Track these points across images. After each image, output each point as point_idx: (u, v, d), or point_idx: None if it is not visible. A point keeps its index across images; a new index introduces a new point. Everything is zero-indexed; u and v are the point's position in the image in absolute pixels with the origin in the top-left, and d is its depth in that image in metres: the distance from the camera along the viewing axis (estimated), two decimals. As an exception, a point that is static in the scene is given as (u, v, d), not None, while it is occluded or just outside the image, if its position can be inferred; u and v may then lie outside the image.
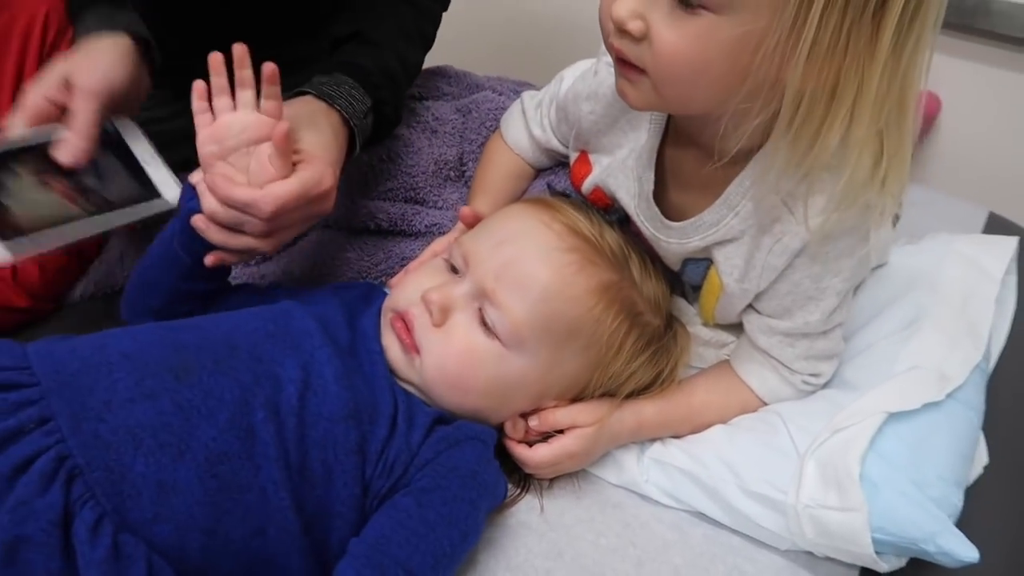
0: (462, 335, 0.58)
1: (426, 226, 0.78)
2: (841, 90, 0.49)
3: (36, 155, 0.65)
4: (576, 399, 0.62)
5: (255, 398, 0.50)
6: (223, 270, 0.66)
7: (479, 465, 0.56)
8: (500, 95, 0.90)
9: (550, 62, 1.05)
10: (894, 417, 0.61)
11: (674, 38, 0.50)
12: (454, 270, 0.61)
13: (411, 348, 0.58)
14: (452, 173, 0.84)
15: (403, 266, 0.73)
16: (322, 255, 0.76)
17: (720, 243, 0.63)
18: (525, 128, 0.80)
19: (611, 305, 0.60)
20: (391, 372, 0.58)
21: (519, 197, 0.80)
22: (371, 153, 0.81)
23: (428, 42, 0.87)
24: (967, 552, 0.53)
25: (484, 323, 0.58)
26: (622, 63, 0.54)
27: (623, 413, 0.64)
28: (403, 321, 0.59)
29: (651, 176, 0.65)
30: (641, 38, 0.51)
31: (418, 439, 0.54)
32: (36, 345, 0.50)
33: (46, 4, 0.76)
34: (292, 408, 0.51)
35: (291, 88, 0.74)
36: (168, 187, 0.70)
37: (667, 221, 0.65)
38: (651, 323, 0.63)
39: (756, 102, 0.52)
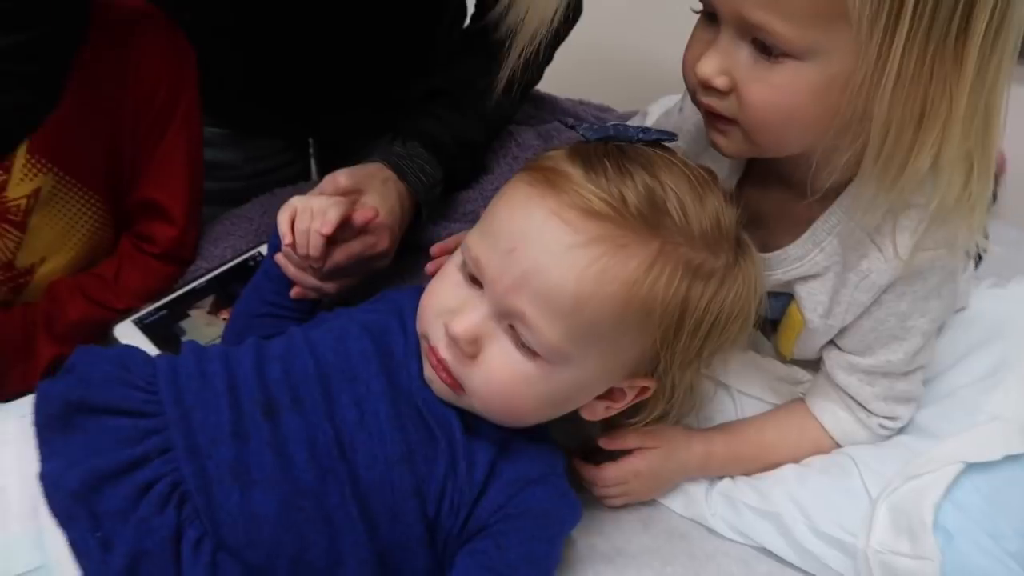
0: (500, 364, 0.52)
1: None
2: (929, 115, 0.50)
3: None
4: (653, 374, 0.58)
5: (326, 437, 0.52)
6: (308, 302, 0.71)
7: (551, 503, 0.56)
8: (585, 121, 0.92)
9: (632, 90, 1.07)
10: (972, 468, 0.60)
11: (761, 89, 0.51)
12: (472, 278, 0.54)
13: (455, 387, 0.54)
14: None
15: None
16: (403, 273, 0.80)
17: (803, 278, 0.63)
18: None
19: (659, 281, 0.52)
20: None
21: None
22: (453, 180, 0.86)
23: (522, 92, 0.88)
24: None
25: (520, 344, 0.52)
26: (712, 115, 0.55)
27: (692, 442, 0.65)
28: (436, 359, 0.54)
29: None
30: (728, 92, 0.53)
31: (481, 476, 0.54)
32: (161, 362, 0.54)
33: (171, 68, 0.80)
34: (351, 450, 0.53)
35: (381, 125, 0.84)
36: None
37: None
38: (714, 264, 0.54)
39: (845, 137, 0.52)
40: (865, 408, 0.65)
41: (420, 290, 0.60)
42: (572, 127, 0.59)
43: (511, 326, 0.52)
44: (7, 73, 0.67)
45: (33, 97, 0.70)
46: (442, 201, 0.84)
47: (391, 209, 0.74)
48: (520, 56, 0.75)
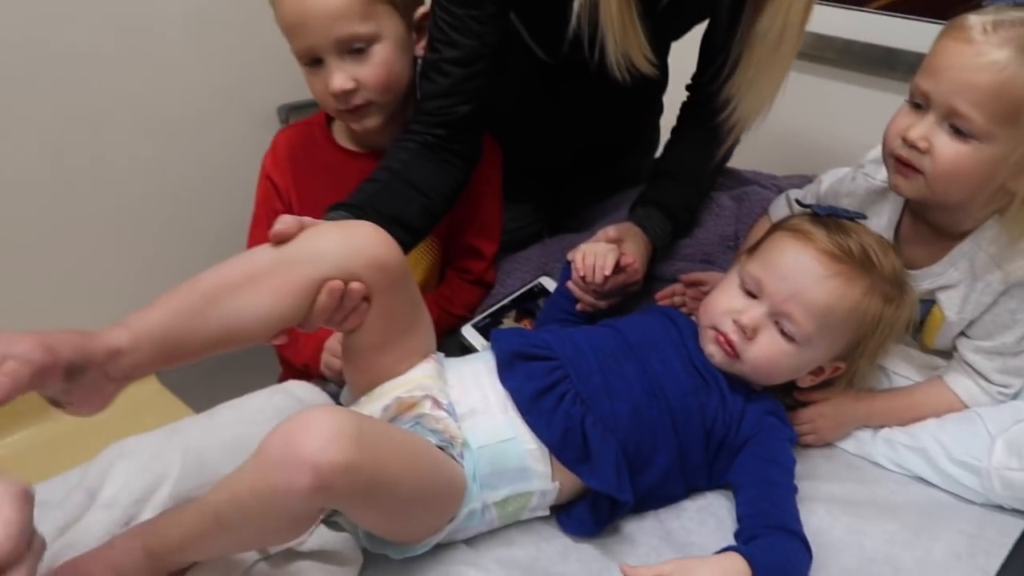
0: (769, 344, 0.85)
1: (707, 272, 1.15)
2: None
3: (515, 303, 1.15)
4: (847, 357, 0.90)
5: (647, 376, 0.86)
6: (587, 313, 1.06)
7: (781, 425, 0.89)
8: (765, 188, 1.25)
9: (798, 164, 1.39)
10: None
11: (950, 155, 0.82)
12: (748, 292, 0.88)
13: (733, 356, 0.86)
14: (730, 243, 1.20)
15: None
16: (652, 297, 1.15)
17: (943, 287, 0.93)
18: (791, 213, 1.13)
19: (871, 302, 0.85)
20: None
21: None
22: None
23: (720, 168, 1.24)
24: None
25: (784, 333, 0.85)
26: (903, 165, 0.85)
27: (858, 399, 0.96)
28: (723, 337, 0.86)
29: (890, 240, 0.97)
30: (924, 152, 0.83)
31: (737, 408, 0.87)
32: (547, 335, 0.90)
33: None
34: (660, 385, 0.86)
35: (598, 191, 1.24)
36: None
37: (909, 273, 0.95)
38: (895, 295, 0.88)
39: (990, 200, 0.85)
40: (987, 379, 0.93)
41: (662, 308, 1.01)
42: (806, 206, 0.94)
43: (777, 322, 0.85)
44: None
45: None
46: (669, 246, 1.18)
47: (641, 254, 1.08)
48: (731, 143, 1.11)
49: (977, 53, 0.79)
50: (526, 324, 1.13)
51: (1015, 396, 0.94)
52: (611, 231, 1.07)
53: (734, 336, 0.86)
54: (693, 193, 1.19)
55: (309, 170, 1.11)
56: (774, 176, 1.39)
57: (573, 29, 0.92)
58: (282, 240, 0.73)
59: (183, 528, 0.70)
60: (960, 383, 0.95)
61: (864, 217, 0.92)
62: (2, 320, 1.62)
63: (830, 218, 0.89)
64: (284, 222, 0.73)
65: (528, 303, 1.16)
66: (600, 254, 1.02)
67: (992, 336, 0.92)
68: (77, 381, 0.63)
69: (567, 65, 1.08)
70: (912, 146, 0.84)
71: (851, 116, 1.68)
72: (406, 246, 0.98)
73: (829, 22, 1.52)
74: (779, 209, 1.16)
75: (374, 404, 0.79)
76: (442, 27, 0.98)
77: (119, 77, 1.62)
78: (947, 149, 0.82)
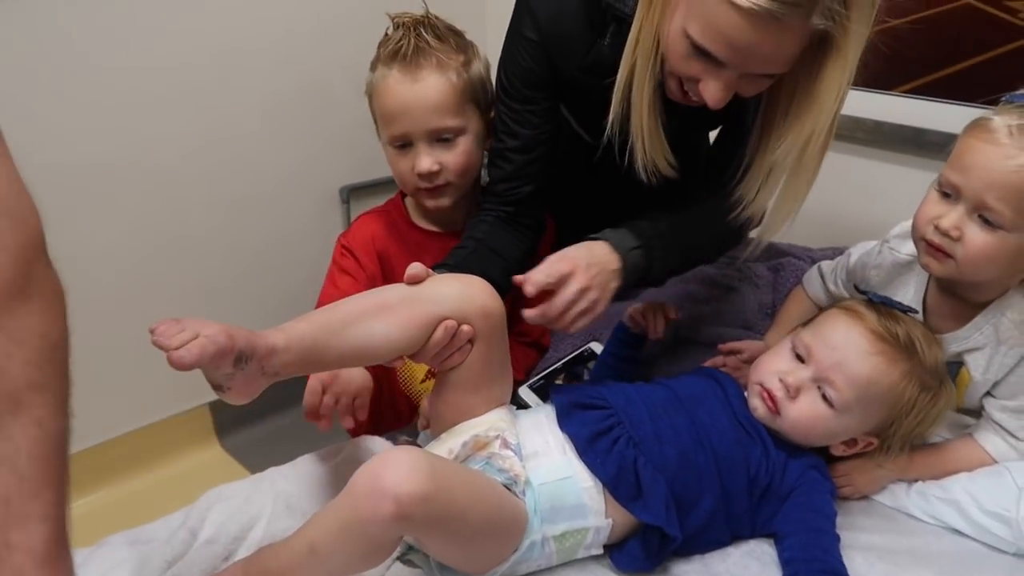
0: (809, 405, 0.93)
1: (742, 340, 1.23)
2: None
3: (566, 366, 1.25)
4: (879, 435, 0.97)
5: (695, 427, 0.94)
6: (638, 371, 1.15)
7: (822, 479, 0.96)
8: (799, 260, 1.35)
9: (832, 237, 1.48)
10: None
11: (980, 243, 0.90)
12: (798, 356, 0.96)
13: (774, 412, 0.94)
14: (768, 311, 1.29)
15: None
16: (699, 357, 1.22)
17: (969, 350, 1.01)
18: (823, 285, 1.21)
19: (908, 385, 0.92)
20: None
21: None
22: (718, 300, 1.30)
23: (722, 247, 1.26)
24: None
25: (824, 398, 0.92)
26: (935, 249, 0.93)
27: (894, 464, 1.02)
28: (767, 392, 0.95)
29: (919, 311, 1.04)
30: (956, 240, 0.91)
31: (781, 460, 0.94)
32: (602, 389, 0.99)
33: None
34: (707, 435, 0.94)
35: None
36: None
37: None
38: (933, 385, 0.94)
39: (1016, 273, 0.93)
40: (1014, 436, 1.00)
41: (709, 370, 1.08)
42: (864, 292, 1.04)
43: (820, 387, 0.93)
44: None
45: None
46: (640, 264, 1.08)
47: (580, 254, 1.03)
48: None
49: (1005, 156, 0.87)
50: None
51: (1041, 451, 1.00)
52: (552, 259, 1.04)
53: (778, 393, 0.95)
54: (665, 229, 1.11)
55: (392, 245, 1.25)
56: (809, 248, 1.48)
57: (607, 135, 1.03)
58: (414, 282, 0.88)
59: (281, 559, 0.79)
60: (990, 440, 1.01)
61: (915, 312, 1.00)
62: (91, 380, 1.76)
63: (883, 305, 0.98)
64: (416, 267, 0.88)
65: (577, 367, 1.25)
66: (657, 308, 1.14)
67: (1016, 396, 0.99)
68: (241, 369, 0.75)
69: (604, 159, 1.15)
70: (944, 234, 0.92)
71: (881, 192, 1.78)
72: None
73: (861, 105, 1.63)
74: (812, 280, 1.24)
75: (454, 440, 0.89)
76: (505, 120, 1.12)
77: (196, 161, 1.78)
78: (977, 238, 0.90)
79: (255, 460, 1.10)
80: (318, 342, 0.81)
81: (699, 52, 0.90)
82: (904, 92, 1.61)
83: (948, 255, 0.93)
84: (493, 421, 0.91)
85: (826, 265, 1.23)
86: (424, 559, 0.90)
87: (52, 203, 1.67)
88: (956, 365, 1.03)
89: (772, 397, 0.95)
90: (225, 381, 0.77)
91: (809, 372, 0.95)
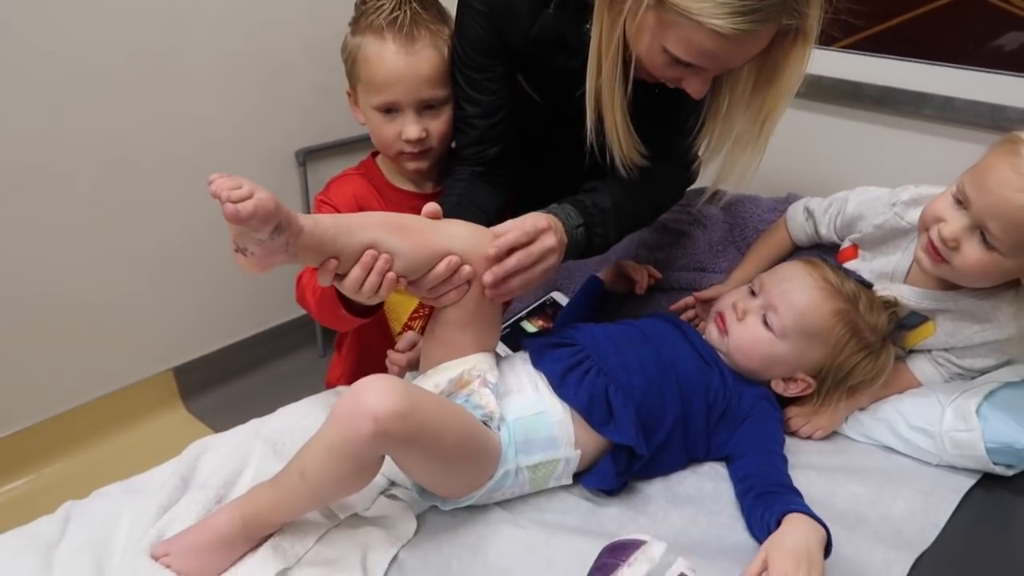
0: (752, 327, 1.05)
1: (709, 284, 1.30)
2: None
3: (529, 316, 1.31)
4: (816, 376, 1.06)
5: (661, 357, 1.02)
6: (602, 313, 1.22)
7: (772, 408, 1.05)
8: (750, 203, 1.41)
9: (769, 187, 1.55)
10: (1007, 384, 1.05)
11: (975, 258, 0.96)
12: (751, 292, 1.08)
13: (724, 331, 1.06)
14: (719, 247, 1.37)
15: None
16: (657, 303, 1.31)
17: (943, 311, 1.08)
18: (813, 226, 1.25)
19: (839, 324, 1.03)
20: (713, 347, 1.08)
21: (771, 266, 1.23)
22: (670, 246, 1.37)
23: (660, 212, 1.28)
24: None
25: (765, 322, 1.04)
26: (933, 250, 0.99)
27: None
28: (721, 316, 1.08)
29: (903, 272, 1.11)
30: (953, 250, 0.97)
31: (736, 390, 1.03)
32: (570, 330, 1.06)
33: None
34: (672, 364, 1.02)
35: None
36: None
37: (913, 288, 1.09)
38: (868, 339, 1.04)
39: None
40: (943, 365, 1.10)
41: (666, 315, 1.17)
42: (824, 260, 1.11)
43: (764, 314, 1.04)
44: None
45: None
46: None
47: (561, 242, 1.05)
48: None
49: (1020, 188, 0.90)
50: (545, 323, 1.29)
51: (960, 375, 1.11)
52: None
53: (729, 316, 1.07)
54: (608, 204, 1.14)
55: (374, 203, 1.27)
56: (754, 196, 1.56)
57: (590, 142, 1.06)
58: (432, 217, 0.94)
59: (274, 491, 0.85)
60: (919, 366, 1.12)
61: (871, 284, 1.09)
62: (52, 350, 1.77)
63: (840, 270, 1.08)
64: (434, 206, 0.95)
65: (541, 315, 1.32)
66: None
67: (965, 359, 1.09)
68: (272, 239, 0.81)
69: (560, 129, 1.18)
70: (943, 241, 0.98)
71: (820, 144, 1.87)
72: None
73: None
74: (796, 218, 1.28)
75: (440, 376, 0.95)
76: (464, 88, 1.17)
77: (151, 129, 1.79)
78: (974, 253, 0.96)
79: (222, 423, 1.13)
80: (339, 237, 0.86)
81: (680, 63, 0.94)
82: (843, 47, 1.69)
83: (943, 260, 0.99)
84: (477, 361, 0.97)
85: (815, 205, 1.25)
86: (406, 492, 0.96)
87: (2, 174, 1.66)
88: (922, 317, 1.11)
89: (723, 319, 1.06)
90: (252, 246, 0.81)
91: (758, 301, 1.07)
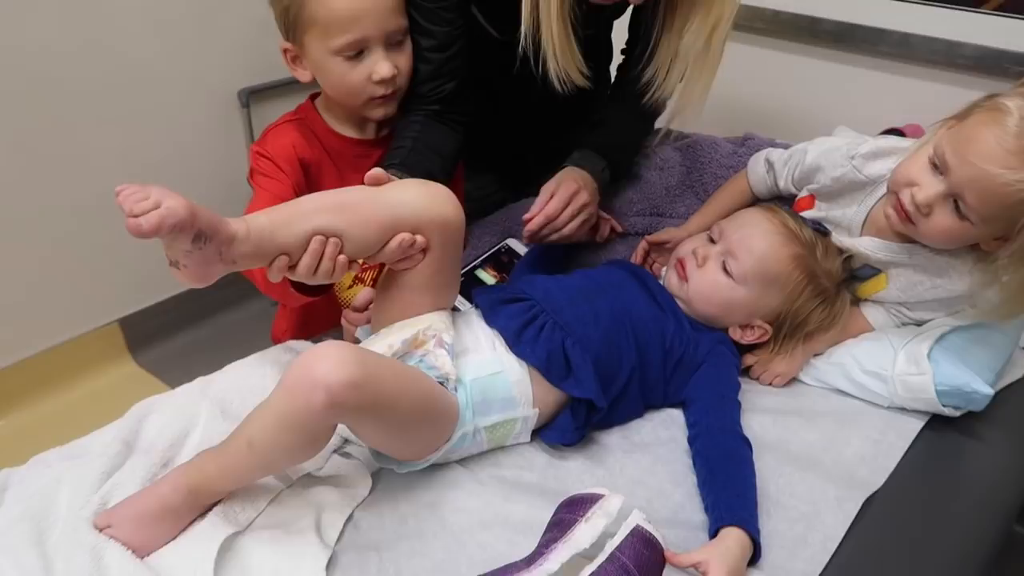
0: (711, 272, 1.05)
1: (665, 229, 1.28)
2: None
3: (484, 263, 1.28)
4: (773, 323, 1.06)
5: (617, 307, 1.01)
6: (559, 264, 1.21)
7: (729, 353, 1.06)
8: (707, 143, 1.39)
9: (726, 124, 1.53)
10: (957, 328, 1.06)
11: (945, 225, 0.95)
12: (711, 239, 1.09)
13: (683, 278, 1.07)
14: (676, 192, 1.35)
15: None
16: (613, 249, 1.29)
17: (897, 265, 1.07)
18: (773, 178, 1.21)
19: (796, 269, 1.04)
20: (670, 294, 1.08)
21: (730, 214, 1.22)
22: (626, 190, 1.34)
23: (644, 140, 1.38)
24: (986, 390, 0.99)
25: (725, 268, 1.05)
26: (902, 211, 0.97)
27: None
28: (680, 262, 1.08)
29: (859, 225, 1.09)
30: (925, 216, 0.95)
31: (693, 335, 1.03)
32: (521, 284, 1.04)
33: None
34: (627, 313, 1.01)
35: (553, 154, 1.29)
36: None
37: (871, 239, 1.07)
38: (824, 285, 1.06)
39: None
40: (895, 312, 1.11)
41: (622, 262, 1.17)
42: (789, 212, 1.11)
43: (724, 261, 1.05)
44: None
45: None
46: (607, 181, 1.26)
47: (575, 177, 1.19)
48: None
49: (1004, 164, 0.87)
50: (502, 274, 1.26)
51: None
52: (550, 185, 1.18)
53: (689, 262, 1.07)
54: (621, 140, 1.28)
55: (314, 152, 1.20)
56: (713, 137, 1.54)
57: (522, 47, 1.04)
58: (376, 185, 0.88)
59: (220, 459, 0.82)
60: (872, 313, 1.12)
61: (828, 231, 1.10)
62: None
63: (798, 217, 1.10)
64: (377, 171, 0.88)
65: (496, 261, 1.29)
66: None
67: (916, 311, 1.09)
68: (199, 249, 0.76)
69: (519, 72, 1.15)
70: (916, 206, 0.96)
71: (778, 79, 1.84)
72: None
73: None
74: (757, 169, 1.25)
75: (394, 336, 0.91)
76: (417, 20, 1.11)
77: (82, 68, 1.68)
78: (944, 220, 0.95)
79: (173, 374, 1.10)
80: (278, 233, 0.81)
81: None
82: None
83: (911, 221, 0.98)
84: (432, 320, 0.94)
85: (776, 157, 1.22)
86: (360, 450, 0.94)
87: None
88: (876, 271, 1.10)
89: (683, 266, 1.07)
90: (182, 258, 0.77)
91: (718, 248, 1.07)
